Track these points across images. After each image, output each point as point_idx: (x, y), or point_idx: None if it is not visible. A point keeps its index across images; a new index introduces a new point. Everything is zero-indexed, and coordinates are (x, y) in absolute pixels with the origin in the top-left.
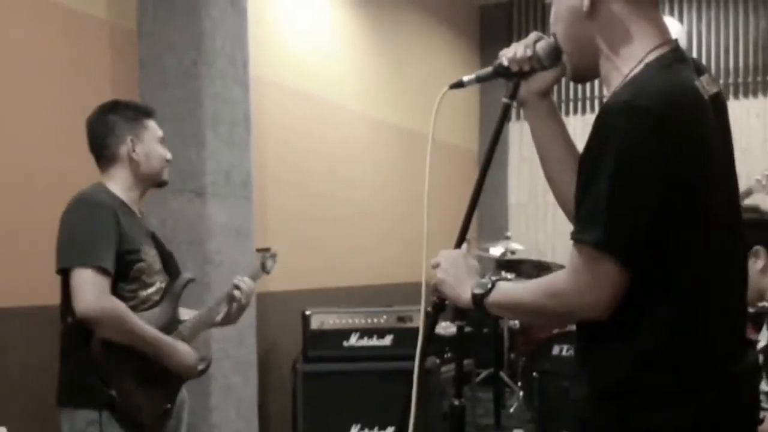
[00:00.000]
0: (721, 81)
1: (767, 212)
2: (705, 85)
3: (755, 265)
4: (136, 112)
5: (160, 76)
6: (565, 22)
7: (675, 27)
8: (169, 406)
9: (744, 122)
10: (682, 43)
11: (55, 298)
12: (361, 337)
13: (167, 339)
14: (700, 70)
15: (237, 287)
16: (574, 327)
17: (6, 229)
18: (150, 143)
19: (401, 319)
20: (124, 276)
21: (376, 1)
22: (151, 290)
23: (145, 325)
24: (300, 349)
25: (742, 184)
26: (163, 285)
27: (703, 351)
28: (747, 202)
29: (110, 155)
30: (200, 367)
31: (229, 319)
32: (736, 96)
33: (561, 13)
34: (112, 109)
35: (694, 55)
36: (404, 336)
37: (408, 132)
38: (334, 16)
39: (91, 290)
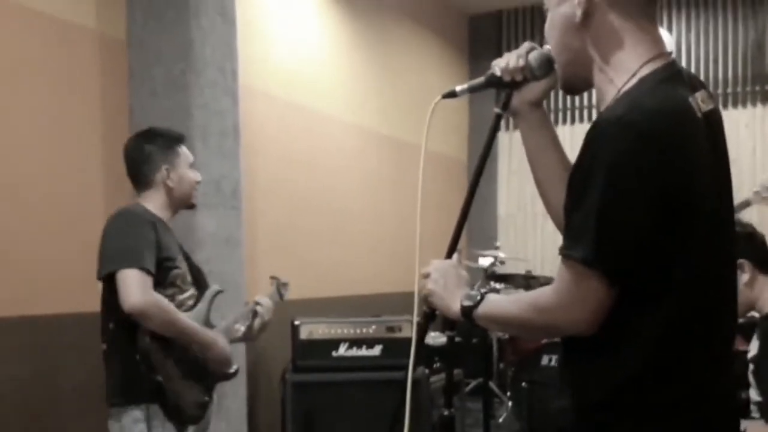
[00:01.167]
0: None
1: (749, 225)
2: (700, 102)
3: (741, 278)
4: (170, 141)
5: (149, 86)
6: (558, 30)
7: (665, 37)
8: (207, 399)
9: (733, 132)
10: (672, 54)
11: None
12: (350, 347)
13: (207, 331)
14: (695, 86)
15: (258, 303)
16: None
17: None
18: (182, 170)
19: (390, 329)
20: (162, 282)
21: (365, 11)
22: (186, 294)
23: (186, 317)
24: (289, 358)
25: (735, 196)
26: (196, 293)
27: (688, 369)
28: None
29: (146, 181)
30: (231, 370)
31: (250, 335)
32: (725, 106)
33: (555, 21)
34: (148, 138)
35: (683, 65)
36: (393, 346)
37: (397, 142)
38: (324, 26)
39: (137, 287)
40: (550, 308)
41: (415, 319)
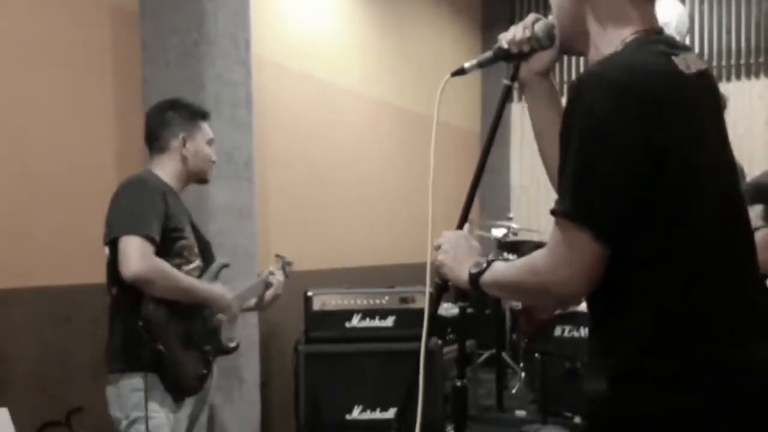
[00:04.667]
0: (723, 62)
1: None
2: (690, 63)
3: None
4: (193, 113)
5: (163, 56)
6: None
7: (678, 9)
8: (206, 371)
9: (746, 103)
10: (685, 25)
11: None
12: (363, 318)
13: (209, 286)
14: (684, 48)
15: (273, 273)
16: (576, 308)
17: (7, 211)
18: (200, 143)
19: (403, 300)
20: (168, 251)
21: None
22: (192, 266)
23: (187, 276)
24: (302, 330)
25: (747, 167)
26: (201, 265)
27: (706, 334)
28: None
29: (161, 146)
30: (231, 344)
31: (262, 305)
32: (738, 77)
33: None
34: (171, 106)
35: (696, 36)
36: (406, 317)
37: (411, 113)
38: None
39: (137, 254)
40: (542, 269)
41: (428, 290)
